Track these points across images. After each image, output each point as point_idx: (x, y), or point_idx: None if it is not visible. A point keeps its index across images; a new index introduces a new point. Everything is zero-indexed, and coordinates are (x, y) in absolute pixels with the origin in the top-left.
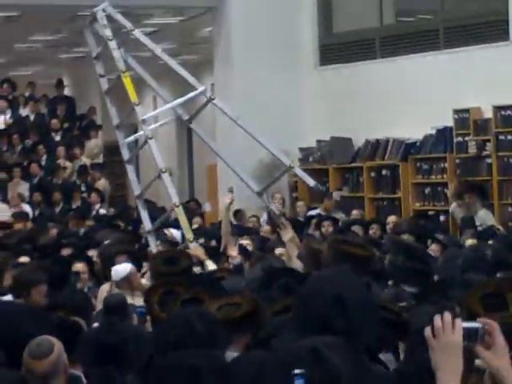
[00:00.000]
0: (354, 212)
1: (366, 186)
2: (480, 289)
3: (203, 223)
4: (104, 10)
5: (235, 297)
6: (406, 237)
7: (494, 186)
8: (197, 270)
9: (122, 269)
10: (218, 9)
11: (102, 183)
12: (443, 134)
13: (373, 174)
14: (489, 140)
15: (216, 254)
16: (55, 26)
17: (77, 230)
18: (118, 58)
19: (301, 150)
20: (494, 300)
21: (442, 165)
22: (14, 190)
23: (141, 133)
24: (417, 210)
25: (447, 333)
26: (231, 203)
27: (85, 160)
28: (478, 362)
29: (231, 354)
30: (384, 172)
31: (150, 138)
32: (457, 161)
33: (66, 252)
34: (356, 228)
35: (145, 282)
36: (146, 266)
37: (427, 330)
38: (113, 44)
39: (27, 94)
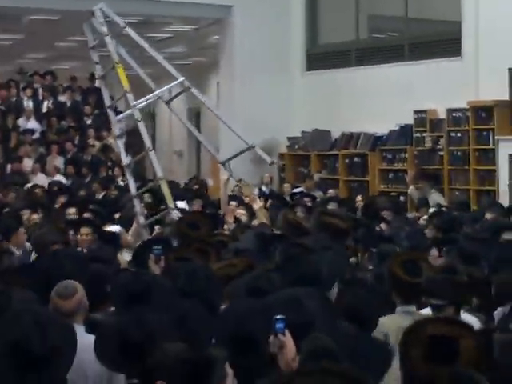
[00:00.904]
0: (331, 191)
1: (340, 170)
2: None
3: (207, 196)
4: (101, 10)
5: (233, 260)
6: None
7: (444, 174)
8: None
9: (113, 230)
10: (225, 20)
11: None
12: (405, 130)
13: (347, 161)
14: (442, 136)
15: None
16: None
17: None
18: (113, 51)
19: (288, 138)
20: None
21: (403, 155)
22: (51, 163)
23: (129, 111)
24: (381, 191)
25: None
26: (228, 179)
27: (111, 140)
28: None
29: None
30: (356, 159)
31: (139, 121)
32: (415, 152)
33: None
34: (332, 204)
35: (130, 238)
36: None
37: None
38: (108, 38)
39: (65, 85)
